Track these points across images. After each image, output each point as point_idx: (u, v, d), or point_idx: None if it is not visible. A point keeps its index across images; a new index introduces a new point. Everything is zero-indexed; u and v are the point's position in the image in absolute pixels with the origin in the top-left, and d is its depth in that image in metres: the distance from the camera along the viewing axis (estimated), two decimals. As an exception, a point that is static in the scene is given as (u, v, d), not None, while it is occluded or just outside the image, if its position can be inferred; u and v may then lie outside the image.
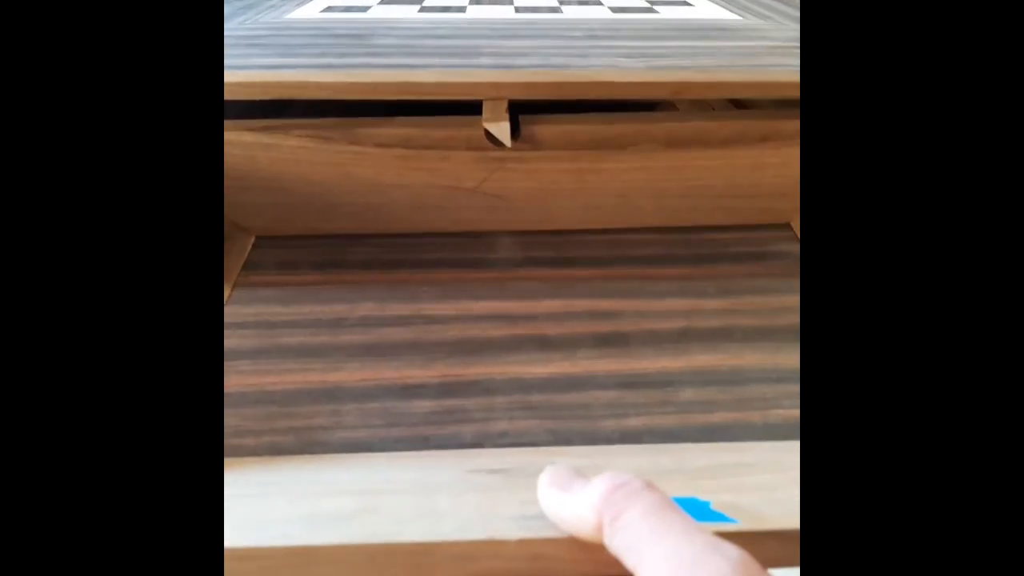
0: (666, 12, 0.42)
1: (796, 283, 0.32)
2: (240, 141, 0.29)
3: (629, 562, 0.16)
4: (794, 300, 0.31)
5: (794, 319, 0.30)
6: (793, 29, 0.39)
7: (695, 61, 0.31)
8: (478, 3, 0.44)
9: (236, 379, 0.26)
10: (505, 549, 0.17)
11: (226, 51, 0.31)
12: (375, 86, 0.27)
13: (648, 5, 0.44)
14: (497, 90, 0.28)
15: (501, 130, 0.29)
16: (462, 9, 0.42)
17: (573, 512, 0.17)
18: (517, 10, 0.42)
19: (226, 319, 0.29)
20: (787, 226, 0.36)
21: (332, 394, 0.26)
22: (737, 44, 0.35)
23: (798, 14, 0.43)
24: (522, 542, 0.17)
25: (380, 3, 0.44)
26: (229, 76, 0.27)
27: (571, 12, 0.42)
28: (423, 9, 0.42)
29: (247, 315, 0.29)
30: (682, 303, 0.30)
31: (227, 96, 0.26)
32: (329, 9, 0.42)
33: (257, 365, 0.27)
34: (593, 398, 0.25)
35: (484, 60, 0.30)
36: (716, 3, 0.45)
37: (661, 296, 0.31)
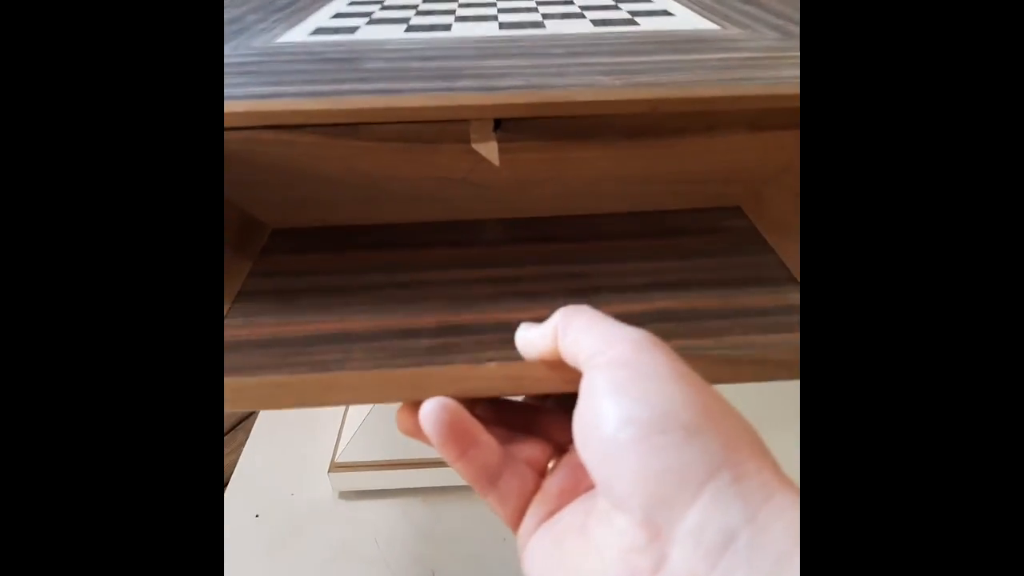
0: (647, 23, 0.43)
1: (747, 248, 0.38)
2: (259, 139, 0.30)
3: (573, 357, 0.22)
4: (746, 260, 0.37)
5: (748, 273, 0.35)
6: (771, 38, 0.40)
7: (671, 76, 0.32)
8: (463, 20, 0.45)
9: (255, 330, 0.31)
10: (487, 371, 0.24)
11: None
12: (359, 112, 0.28)
13: (629, 17, 0.45)
14: (478, 112, 0.29)
15: (489, 150, 0.30)
16: (448, 28, 0.43)
17: (539, 333, 0.23)
18: (501, 26, 0.43)
19: (245, 291, 0.35)
20: (738, 208, 0.40)
21: (342, 338, 0.31)
22: (714, 57, 0.36)
23: (778, 22, 0.44)
24: (501, 365, 0.24)
25: (368, 23, 0.45)
26: (226, 106, 0.28)
27: (554, 27, 0.43)
28: (409, 28, 0.43)
29: (265, 286, 0.35)
30: (647, 265, 0.36)
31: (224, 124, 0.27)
32: (319, 31, 0.43)
33: (274, 319, 0.32)
34: None
35: (466, 82, 0.31)
36: (696, 12, 0.46)
37: (630, 260, 0.37)
